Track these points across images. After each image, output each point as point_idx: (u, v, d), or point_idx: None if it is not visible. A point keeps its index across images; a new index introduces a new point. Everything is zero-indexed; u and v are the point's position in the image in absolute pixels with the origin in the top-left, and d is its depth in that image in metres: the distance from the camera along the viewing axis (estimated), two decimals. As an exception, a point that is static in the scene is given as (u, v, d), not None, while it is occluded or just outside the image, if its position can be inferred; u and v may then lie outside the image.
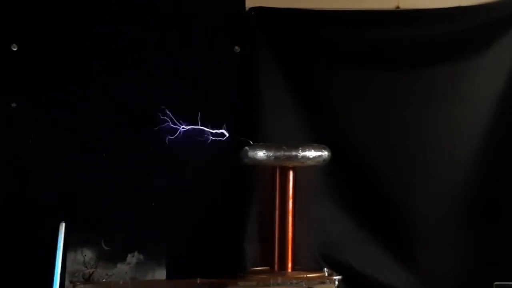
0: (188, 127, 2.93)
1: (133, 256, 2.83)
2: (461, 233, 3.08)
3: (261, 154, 2.80)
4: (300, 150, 2.80)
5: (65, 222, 2.66)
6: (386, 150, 3.09)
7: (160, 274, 2.83)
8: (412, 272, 3.07)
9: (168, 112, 2.94)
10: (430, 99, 3.09)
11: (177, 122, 2.93)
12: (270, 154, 2.79)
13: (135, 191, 2.99)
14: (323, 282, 2.71)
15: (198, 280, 2.62)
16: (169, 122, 2.93)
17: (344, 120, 3.11)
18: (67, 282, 2.73)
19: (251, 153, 2.82)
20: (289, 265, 2.90)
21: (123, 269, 2.82)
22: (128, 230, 2.89)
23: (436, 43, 3.09)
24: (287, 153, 2.79)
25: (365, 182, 3.10)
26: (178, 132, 2.92)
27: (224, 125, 2.91)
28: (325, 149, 2.87)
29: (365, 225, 3.09)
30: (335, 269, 2.85)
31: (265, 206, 3.00)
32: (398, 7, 3.11)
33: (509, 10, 3.08)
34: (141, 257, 2.83)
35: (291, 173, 2.90)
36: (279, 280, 2.68)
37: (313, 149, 2.83)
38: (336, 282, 2.71)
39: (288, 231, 2.90)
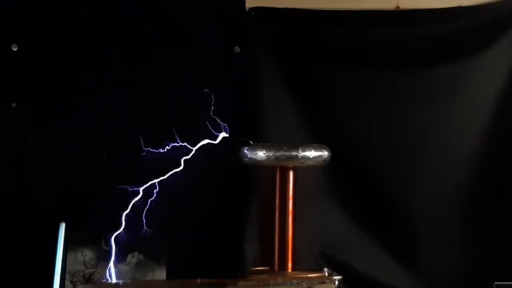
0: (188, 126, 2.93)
1: (133, 256, 2.83)
2: (461, 233, 3.08)
3: (261, 154, 2.80)
4: (300, 150, 2.80)
5: (65, 222, 2.66)
6: (386, 150, 3.09)
7: (160, 274, 2.83)
8: (412, 272, 3.07)
9: (168, 112, 2.94)
10: (430, 99, 3.09)
11: (177, 123, 2.93)
12: (270, 154, 2.79)
13: (135, 191, 2.99)
14: (323, 282, 2.71)
15: (198, 280, 2.62)
16: (169, 122, 2.94)
17: (344, 120, 3.11)
18: (67, 282, 2.73)
19: (251, 153, 2.82)
20: (289, 265, 2.90)
21: (123, 269, 2.82)
22: (128, 230, 2.89)
23: (436, 43, 3.09)
24: (287, 153, 2.79)
25: (365, 182, 3.10)
26: (179, 132, 2.92)
27: (224, 125, 2.91)
28: (325, 149, 2.87)
29: (365, 225, 3.09)
30: (335, 269, 2.85)
31: (265, 206, 3.00)
32: (398, 7, 3.11)
33: (509, 10, 3.07)
34: (141, 257, 2.84)
35: (291, 173, 2.90)
36: (279, 280, 2.68)
37: (313, 149, 2.83)
38: (336, 282, 2.71)
39: (288, 231, 2.90)
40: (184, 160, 2.99)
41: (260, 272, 2.90)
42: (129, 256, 2.83)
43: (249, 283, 2.68)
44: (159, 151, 2.95)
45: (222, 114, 2.94)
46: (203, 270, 2.70)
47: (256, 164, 2.88)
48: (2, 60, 2.98)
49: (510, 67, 3.07)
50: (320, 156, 2.84)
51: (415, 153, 3.10)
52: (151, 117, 2.99)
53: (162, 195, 2.99)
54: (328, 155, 2.88)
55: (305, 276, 2.72)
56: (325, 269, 2.81)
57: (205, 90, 2.88)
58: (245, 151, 2.84)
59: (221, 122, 2.87)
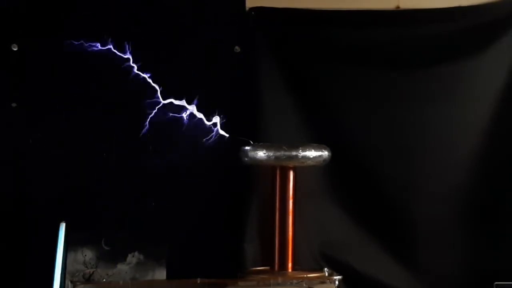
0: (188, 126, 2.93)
1: (133, 256, 2.83)
2: (461, 233, 3.09)
3: (261, 154, 2.80)
4: (300, 150, 2.80)
5: (65, 222, 2.66)
6: (386, 150, 3.09)
7: (160, 274, 2.83)
8: (412, 272, 3.07)
9: (168, 112, 2.94)
10: (430, 99, 3.09)
11: (177, 122, 2.93)
12: (270, 154, 2.79)
13: (136, 191, 2.99)
14: (323, 282, 2.71)
15: (198, 280, 2.62)
16: (169, 122, 2.94)
17: (344, 120, 3.11)
18: (67, 282, 2.73)
19: (251, 153, 2.82)
20: (289, 265, 2.90)
21: (123, 269, 2.82)
22: (128, 230, 2.89)
23: (436, 43, 3.09)
24: (287, 153, 2.79)
25: (365, 182, 3.10)
26: (179, 132, 2.92)
27: (224, 125, 2.91)
28: (325, 149, 2.87)
29: (365, 225, 3.09)
30: (335, 269, 2.85)
31: (265, 206, 3.00)
32: (398, 7, 3.11)
33: (509, 10, 3.08)
34: (141, 257, 2.84)
35: (291, 173, 2.90)
36: (279, 280, 2.68)
37: (313, 149, 2.83)
38: (336, 282, 2.72)
39: (288, 231, 2.90)
40: (185, 160, 3.00)
41: (260, 272, 2.89)
42: (129, 256, 2.83)
43: (249, 283, 2.68)
44: (160, 153, 2.96)
45: (222, 114, 2.95)
46: (203, 270, 2.70)
47: (256, 164, 2.88)
48: (2, 60, 2.98)
49: (510, 67, 3.07)
50: (320, 156, 2.84)
51: (415, 153, 3.10)
52: (149, 118, 2.99)
53: (163, 194, 3.01)
54: (328, 155, 2.87)
55: (305, 276, 2.72)
56: (325, 269, 2.81)
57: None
58: (245, 151, 2.84)
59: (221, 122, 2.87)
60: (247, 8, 3.08)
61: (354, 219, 3.10)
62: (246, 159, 2.85)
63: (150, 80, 2.91)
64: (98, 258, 2.81)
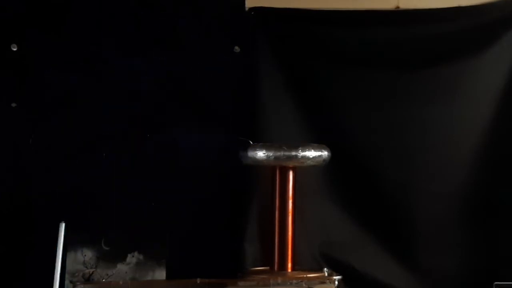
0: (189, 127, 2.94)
1: (133, 256, 2.83)
2: (461, 233, 3.08)
3: (261, 154, 2.80)
4: (300, 150, 2.80)
5: (65, 222, 2.66)
6: (386, 150, 3.09)
7: (160, 274, 2.83)
8: (412, 272, 3.07)
9: (168, 112, 2.94)
10: (430, 99, 3.09)
11: (177, 123, 2.94)
12: (270, 154, 2.79)
13: (136, 190, 2.99)
14: (323, 282, 2.71)
15: (198, 280, 2.62)
16: (169, 122, 2.94)
17: (344, 120, 3.11)
18: (67, 282, 2.73)
19: (251, 153, 2.82)
20: (289, 265, 2.90)
21: (123, 269, 2.82)
22: (128, 230, 2.89)
23: (436, 43, 3.09)
24: (287, 153, 2.79)
25: (365, 182, 3.10)
26: (179, 132, 2.92)
27: (224, 125, 2.91)
28: (325, 149, 2.87)
29: (365, 225, 3.09)
30: (335, 269, 2.85)
31: (265, 206, 3.00)
32: (398, 7, 3.11)
33: (509, 10, 3.08)
34: (141, 257, 2.84)
35: (291, 173, 2.90)
36: (279, 280, 2.68)
37: (313, 149, 2.83)
38: (336, 282, 2.72)
39: (288, 231, 2.90)
40: (185, 160, 3.00)
41: (260, 272, 2.89)
42: (129, 256, 2.83)
43: (249, 283, 2.68)
44: (159, 152, 2.96)
45: (222, 114, 2.95)
46: (203, 270, 2.70)
47: (256, 164, 2.88)
48: (2, 60, 2.98)
49: (510, 67, 3.07)
50: (320, 156, 2.84)
51: (415, 153, 3.10)
52: (151, 117, 3.00)
53: (162, 194, 3.01)
54: (328, 155, 2.88)
55: (305, 276, 2.72)
56: (325, 269, 2.81)
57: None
58: (245, 151, 2.84)
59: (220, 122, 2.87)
60: (247, 8, 3.08)
61: (354, 219, 3.10)
62: (246, 159, 2.85)
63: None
64: (98, 258, 2.82)
